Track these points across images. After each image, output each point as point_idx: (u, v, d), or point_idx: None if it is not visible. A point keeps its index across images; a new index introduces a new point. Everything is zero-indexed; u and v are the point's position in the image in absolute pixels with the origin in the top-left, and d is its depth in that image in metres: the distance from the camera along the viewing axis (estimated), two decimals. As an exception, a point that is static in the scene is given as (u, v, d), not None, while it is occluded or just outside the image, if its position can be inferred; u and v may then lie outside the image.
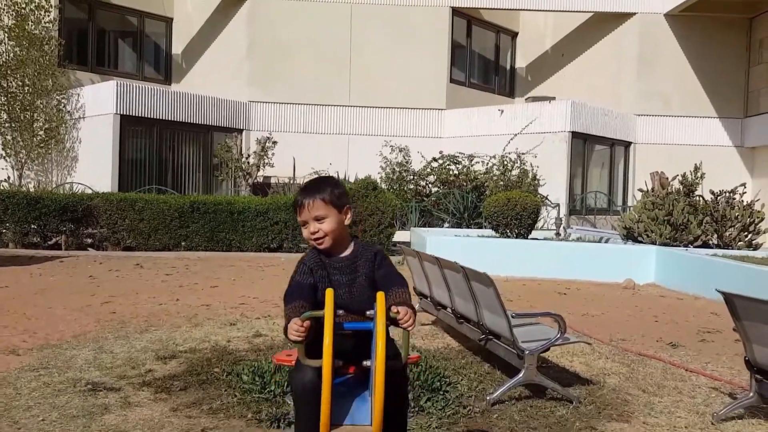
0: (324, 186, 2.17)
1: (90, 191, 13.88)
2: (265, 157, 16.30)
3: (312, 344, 1.91)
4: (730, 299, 3.81)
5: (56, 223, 12.59)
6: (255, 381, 4.21)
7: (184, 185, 16.43)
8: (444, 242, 11.25)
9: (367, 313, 1.96)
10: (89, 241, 12.96)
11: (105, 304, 7.22)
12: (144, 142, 15.72)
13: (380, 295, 1.88)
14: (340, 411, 1.89)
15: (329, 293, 1.85)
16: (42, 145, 15.57)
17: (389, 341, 1.96)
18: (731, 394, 4.53)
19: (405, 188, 16.48)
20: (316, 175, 16.63)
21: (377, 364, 1.75)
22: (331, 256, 2.16)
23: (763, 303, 3.59)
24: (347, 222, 2.20)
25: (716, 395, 4.52)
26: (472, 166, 16.27)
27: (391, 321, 1.93)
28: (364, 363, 1.93)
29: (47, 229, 12.64)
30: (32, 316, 6.38)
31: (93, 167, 15.16)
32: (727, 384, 4.79)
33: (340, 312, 1.88)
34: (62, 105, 15.73)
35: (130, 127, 15.27)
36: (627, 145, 18.34)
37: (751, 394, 3.89)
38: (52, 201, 12.56)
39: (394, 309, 1.93)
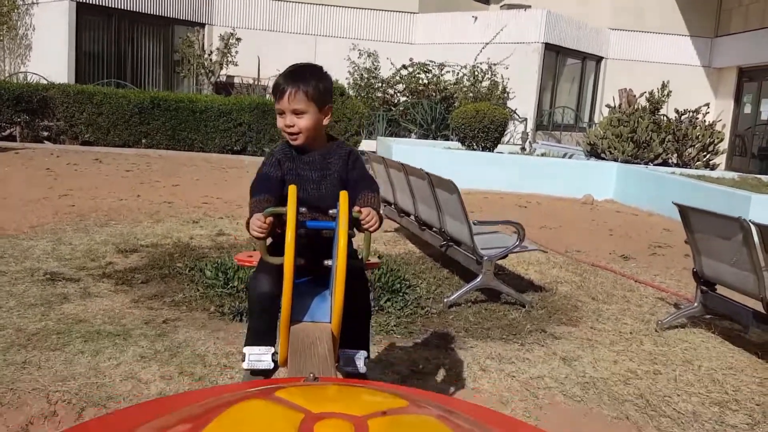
0: (310, 77, 2.01)
1: (45, 82, 13.28)
2: (228, 54, 15.71)
3: (275, 241, 1.89)
4: (684, 211, 3.92)
5: (10, 114, 12.09)
6: (218, 276, 4.23)
7: (143, 80, 15.82)
8: (410, 152, 11.20)
9: (330, 212, 1.92)
10: (45, 134, 12.53)
11: (63, 197, 7.07)
12: (102, 34, 14.94)
13: (343, 194, 1.83)
14: (299, 308, 1.90)
15: (292, 189, 1.80)
16: (-8, 30, 14.68)
17: (350, 243, 1.95)
18: (676, 304, 4.75)
19: (373, 96, 16.20)
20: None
21: (338, 262, 1.74)
22: (304, 151, 2.07)
23: (714, 216, 3.71)
24: (326, 122, 2.08)
25: (662, 305, 4.74)
26: (442, 75, 16.01)
27: (355, 222, 1.92)
28: (325, 262, 1.92)
29: (1, 119, 12.14)
30: (-14, 207, 6.23)
31: (48, 57, 14.41)
32: (673, 295, 5.02)
33: (303, 210, 1.85)
34: (13, -12, 14.73)
35: (87, 15, 14.44)
36: (598, 60, 18.22)
37: (696, 304, 4.08)
38: (5, 90, 12.00)
39: (356, 209, 1.90)
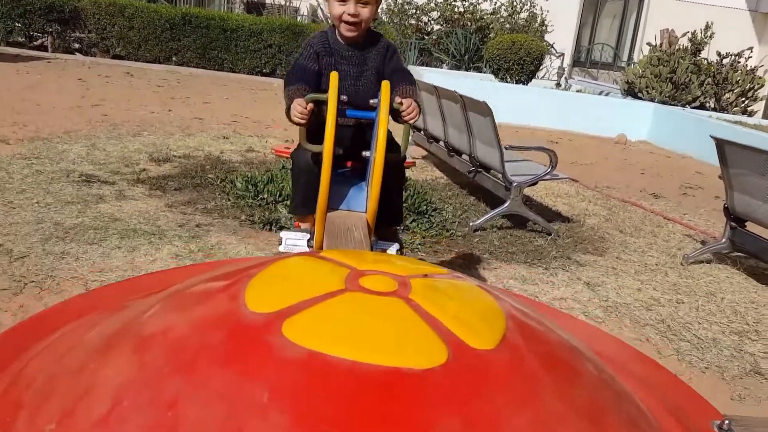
0: None
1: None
2: (262, -27, 15.39)
3: (314, 130, 1.90)
4: (721, 145, 3.85)
5: (42, 23, 12.07)
6: (248, 189, 4.29)
7: (175, -5, 15.58)
8: (442, 82, 10.96)
9: (371, 101, 1.91)
10: (77, 45, 12.52)
11: (96, 106, 7.13)
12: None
13: (385, 84, 1.82)
14: (336, 197, 1.93)
15: (334, 76, 1.78)
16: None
17: (389, 135, 1.95)
18: (704, 242, 4.73)
19: (406, 23, 15.82)
20: (314, 0, 15.94)
21: (377, 154, 1.74)
22: (342, 45, 2.02)
23: (752, 150, 3.64)
24: (375, 17, 2.03)
25: (689, 241, 4.72)
26: (479, 4, 15.54)
27: (393, 114, 1.91)
28: (363, 153, 1.93)
29: (32, 28, 12.14)
30: (21, 111, 6.31)
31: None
32: (701, 233, 4.99)
33: (344, 98, 1.84)
34: None
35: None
36: (642, -2, 17.52)
37: (724, 240, 4.06)
38: (37, -1, 11.94)
39: (397, 99, 1.88)
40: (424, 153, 6.54)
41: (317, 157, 1.84)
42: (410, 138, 1.94)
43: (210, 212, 3.92)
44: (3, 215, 3.40)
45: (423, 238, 3.98)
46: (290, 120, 1.88)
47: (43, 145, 5.02)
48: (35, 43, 12.28)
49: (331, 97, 1.76)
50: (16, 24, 12.09)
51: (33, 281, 2.71)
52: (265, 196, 4.22)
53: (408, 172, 5.81)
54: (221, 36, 12.74)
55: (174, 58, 12.70)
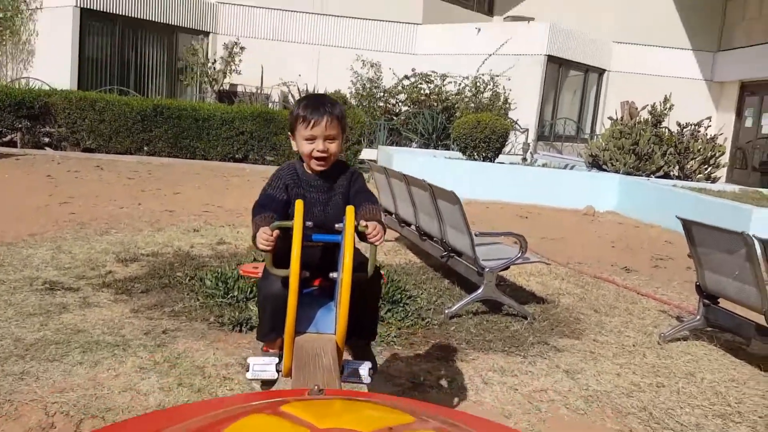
0: (336, 105, 2.08)
1: (48, 88, 13.30)
2: (232, 63, 15.77)
3: (280, 254, 1.89)
4: (687, 225, 3.91)
5: (11, 119, 12.09)
6: (218, 286, 4.21)
7: (147, 88, 15.84)
8: (411, 161, 11.20)
9: (336, 226, 1.94)
10: (47, 140, 12.53)
11: (63, 204, 7.06)
12: (105, 39, 14.97)
13: (350, 209, 1.87)
14: (304, 319, 1.90)
15: (299, 204, 1.82)
16: (-5, 36, 14.74)
17: (356, 254, 1.95)
18: (679, 317, 4.73)
19: (375, 105, 16.22)
20: (284, 86, 16.33)
21: (344, 275, 1.75)
22: (310, 175, 2.11)
23: (718, 230, 3.69)
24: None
25: (664, 318, 4.72)
26: (444, 86, 16.04)
27: (360, 235, 1.92)
28: (331, 275, 1.93)
29: (1, 125, 12.15)
30: (-13, 213, 6.22)
31: (51, 63, 14.45)
32: (675, 308, 4.99)
33: (309, 224, 1.86)
34: (17, -6, 14.79)
35: (91, 21, 14.49)
36: (601, 72, 18.25)
37: (698, 317, 4.06)
38: (7, 95, 12.00)
39: (363, 223, 1.92)
40: (397, 235, 6.55)
41: (285, 281, 1.84)
42: (375, 258, 1.95)
43: (177, 315, 3.82)
44: (-40, 332, 3.27)
45: (398, 329, 3.92)
46: (256, 247, 1.88)
47: (7, 250, 4.91)
48: (4, 139, 12.26)
49: (297, 223, 1.77)
50: (-15, 122, 12.10)
51: (-12, 407, 2.57)
52: (236, 293, 4.14)
53: (381, 257, 5.79)
54: (193, 125, 12.88)
55: (146, 149, 12.76)
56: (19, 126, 12.18)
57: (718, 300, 4.02)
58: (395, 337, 3.78)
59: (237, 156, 13.18)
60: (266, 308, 2.03)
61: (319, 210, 2.07)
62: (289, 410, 1.04)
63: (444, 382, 3.25)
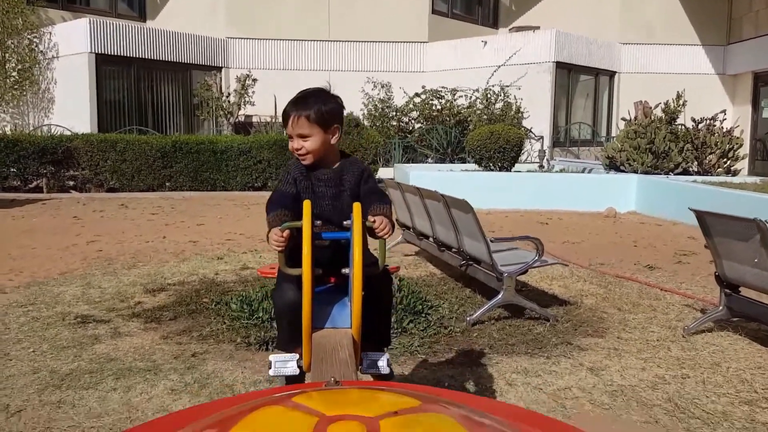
0: (312, 102, 2.12)
1: (69, 133, 13.68)
2: (245, 95, 16.07)
3: (293, 253, 1.97)
4: (701, 217, 3.92)
5: (36, 166, 12.46)
6: (243, 309, 4.31)
7: (164, 125, 16.21)
8: (427, 177, 11.29)
9: (344, 222, 2.00)
10: (71, 183, 12.86)
11: (91, 243, 7.25)
12: (122, 82, 15.39)
13: (356, 206, 1.93)
14: (321, 316, 1.98)
15: (306, 204, 1.90)
16: (16, 86, 15.21)
17: (366, 251, 2.02)
18: (703, 309, 4.71)
19: (388, 125, 16.38)
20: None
21: (354, 270, 1.81)
22: (317, 168, 2.17)
23: (731, 219, 3.70)
24: (333, 141, 2.16)
25: (689, 311, 4.70)
26: (455, 100, 16.16)
27: (368, 231, 1.99)
28: (343, 271, 1.99)
29: (27, 172, 12.52)
30: (17, 257, 6.41)
31: (70, 108, 14.88)
32: (699, 301, 4.97)
33: (318, 222, 1.93)
34: (34, 44, 15.29)
35: (107, 66, 14.92)
36: (611, 74, 18.24)
37: (721, 308, 4.05)
38: (30, 143, 12.39)
39: (370, 218, 1.98)
40: (416, 249, 6.61)
41: (299, 281, 1.91)
42: (387, 251, 2.01)
43: (205, 339, 3.92)
44: (0, 369, 3.40)
45: (421, 339, 3.96)
46: (270, 244, 1.97)
47: (39, 289, 5.07)
48: (30, 185, 12.62)
49: (305, 223, 1.85)
50: (11, 169, 12.47)
51: (29, 435, 2.68)
52: (261, 314, 4.23)
53: (402, 271, 5.85)
54: (211, 158, 13.14)
55: (167, 184, 13.03)
56: (44, 172, 12.53)
57: (740, 289, 4.01)
58: (418, 346, 3.83)
59: (256, 185, 13.39)
60: (283, 319, 2.10)
61: (327, 204, 2.12)
62: (300, 401, 1.11)
63: (468, 386, 3.29)
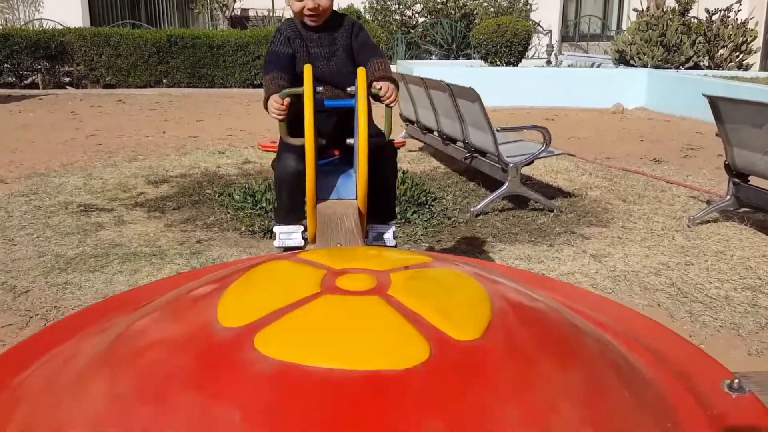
0: None
1: (61, 27, 13.22)
2: (242, -14, 15.41)
3: (294, 123, 1.88)
4: (714, 102, 3.80)
5: (30, 62, 12.13)
6: (246, 199, 4.28)
7: (158, 20, 15.66)
8: (431, 73, 10.91)
9: (348, 89, 1.91)
10: (67, 79, 12.57)
11: (90, 137, 7.15)
12: (112, -27, 14.73)
13: (361, 71, 1.83)
14: (325, 188, 1.92)
15: (307, 69, 1.78)
16: (3, -23, 14.58)
17: (371, 121, 1.94)
18: (709, 201, 4.68)
19: (390, 19, 15.78)
20: None
21: (360, 139, 1.74)
22: (311, 29, 2.06)
23: (746, 103, 3.59)
24: None
25: (694, 203, 4.67)
26: (461, -8, 15.49)
27: (373, 97, 1.90)
28: (348, 141, 1.92)
29: (21, 67, 12.20)
30: (16, 149, 6.34)
31: (61, 2, 14.31)
32: (705, 193, 4.94)
33: (320, 89, 1.83)
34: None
35: (95, -45, 14.22)
36: (624, -35, 17.39)
37: (728, 197, 4.01)
38: (22, 38, 11.99)
39: (376, 85, 1.88)
40: (420, 144, 6.52)
41: (301, 151, 1.83)
42: (392, 119, 1.93)
43: (210, 227, 3.92)
44: (5, 253, 3.41)
45: (425, 228, 3.96)
46: (269, 114, 1.88)
47: (40, 180, 5.04)
48: (26, 81, 12.34)
49: (307, 89, 1.75)
50: (5, 65, 12.16)
51: (38, 314, 2.71)
52: (264, 204, 4.21)
53: (406, 165, 5.79)
54: (208, 54, 12.75)
55: (164, 81, 12.73)
56: (39, 67, 12.22)
57: (748, 179, 3.96)
58: (422, 235, 3.83)
59: (255, 82, 13.07)
60: (282, 190, 2.04)
61: (322, 64, 2.03)
62: (305, 256, 1.07)
63: (472, 272, 3.31)
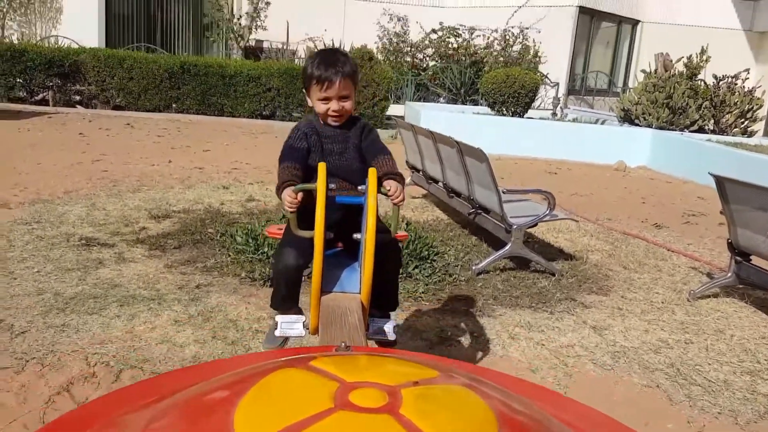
0: (347, 62, 2.11)
1: (76, 46, 13.38)
2: (257, 19, 15.63)
3: (304, 215, 1.94)
4: (720, 182, 3.83)
5: (42, 78, 12.24)
6: (248, 243, 4.28)
7: (173, 45, 15.86)
8: (438, 117, 11.09)
9: (359, 188, 2.00)
10: (77, 98, 12.67)
11: (96, 162, 7.18)
12: (131, -4, 14.97)
13: (372, 171, 1.92)
14: (329, 280, 1.95)
15: (321, 167, 1.86)
16: (24, -7, 14.80)
17: (378, 221, 1.98)
18: (709, 274, 4.68)
19: (402, 60, 16.00)
20: (310, 42, 16.20)
21: (367, 237, 1.79)
22: (326, 125, 2.17)
23: (752, 187, 3.62)
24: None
25: (695, 274, 4.68)
26: (472, 39, 15.72)
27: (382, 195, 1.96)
28: (355, 236, 1.97)
29: (33, 83, 12.31)
30: (22, 171, 6.36)
31: (78, 20, 14.51)
32: (706, 264, 4.94)
33: (333, 186, 1.90)
34: (43, -49, 14.78)
35: (117, -22, 14.47)
36: (634, 23, 17.70)
37: (729, 274, 4.01)
38: (37, 54, 12.12)
39: (386, 185, 1.97)
40: (424, 192, 6.55)
41: (303, 246, 1.92)
42: (399, 217, 1.99)
43: (210, 270, 3.91)
44: (4, 287, 3.39)
45: (426, 285, 3.95)
46: (280, 199, 1.93)
47: (43, 207, 5.04)
48: (36, 98, 12.44)
49: (320, 186, 1.80)
50: (18, 80, 12.27)
51: (34, 357, 2.69)
52: (266, 249, 4.21)
53: (409, 213, 5.81)
54: (220, 82, 12.88)
55: (174, 106, 12.83)
56: (50, 84, 12.32)
57: (750, 257, 3.97)
58: (423, 292, 3.82)
59: (264, 113, 13.18)
60: (280, 280, 2.10)
61: (335, 159, 2.13)
62: (318, 365, 1.08)
63: (471, 337, 3.29)
